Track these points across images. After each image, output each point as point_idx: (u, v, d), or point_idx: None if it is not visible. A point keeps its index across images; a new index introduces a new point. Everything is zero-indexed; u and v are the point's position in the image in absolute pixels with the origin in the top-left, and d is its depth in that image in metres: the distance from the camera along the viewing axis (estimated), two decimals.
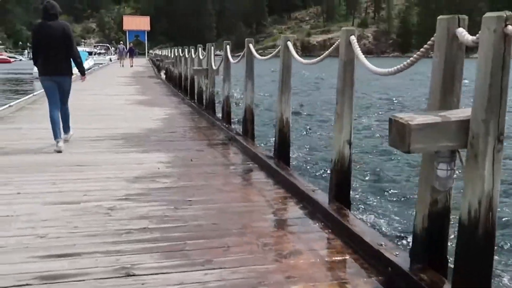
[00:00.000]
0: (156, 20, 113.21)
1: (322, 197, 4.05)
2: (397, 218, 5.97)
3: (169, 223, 3.58)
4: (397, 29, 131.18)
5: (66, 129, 6.61)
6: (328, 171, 4.60)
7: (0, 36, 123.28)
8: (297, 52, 5.17)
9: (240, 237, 3.34)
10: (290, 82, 5.51)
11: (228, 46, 8.43)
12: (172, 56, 19.42)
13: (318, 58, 4.49)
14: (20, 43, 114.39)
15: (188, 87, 13.72)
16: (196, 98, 12.01)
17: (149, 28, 65.62)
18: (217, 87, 10.29)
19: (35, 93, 12.53)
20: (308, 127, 13.42)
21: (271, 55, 6.05)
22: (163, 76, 25.39)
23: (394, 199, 6.89)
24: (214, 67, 9.59)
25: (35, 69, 25.69)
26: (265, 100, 18.83)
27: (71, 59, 6.33)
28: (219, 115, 9.69)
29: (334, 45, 4.16)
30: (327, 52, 4.34)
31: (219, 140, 7.21)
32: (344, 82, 3.91)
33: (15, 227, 3.44)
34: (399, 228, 5.62)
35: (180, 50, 16.61)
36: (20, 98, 12.46)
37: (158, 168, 5.27)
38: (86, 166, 5.32)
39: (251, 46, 6.99)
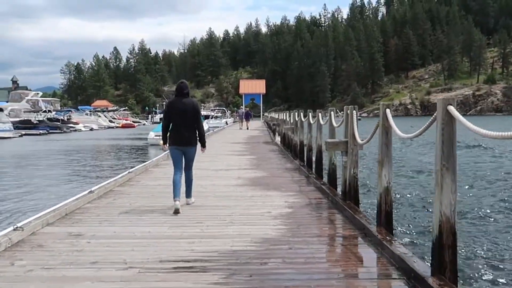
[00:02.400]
0: (271, 83, 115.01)
1: None
2: None
3: None
4: None
5: (189, 193, 6.98)
6: None
7: (131, 102, 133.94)
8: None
9: None
10: None
11: (388, 110, 5.41)
12: (292, 121, 16.85)
13: None
14: (147, 108, 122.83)
15: (314, 161, 10.83)
16: (327, 178, 9.01)
17: (264, 92, 65.45)
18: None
19: (130, 170, 10.43)
20: None
21: None
22: (278, 139, 23.02)
23: None
24: (359, 141, 6.58)
25: (150, 135, 24.97)
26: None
27: (197, 131, 6.89)
28: (362, 207, 6.64)
29: None
30: None
31: (387, 277, 4.06)
32: None
33: None
34: None
35: (302, 114, 13.97)
36: (125, 171, 10.58)
37: None
38: None
39: (452, 109, 3.87)
